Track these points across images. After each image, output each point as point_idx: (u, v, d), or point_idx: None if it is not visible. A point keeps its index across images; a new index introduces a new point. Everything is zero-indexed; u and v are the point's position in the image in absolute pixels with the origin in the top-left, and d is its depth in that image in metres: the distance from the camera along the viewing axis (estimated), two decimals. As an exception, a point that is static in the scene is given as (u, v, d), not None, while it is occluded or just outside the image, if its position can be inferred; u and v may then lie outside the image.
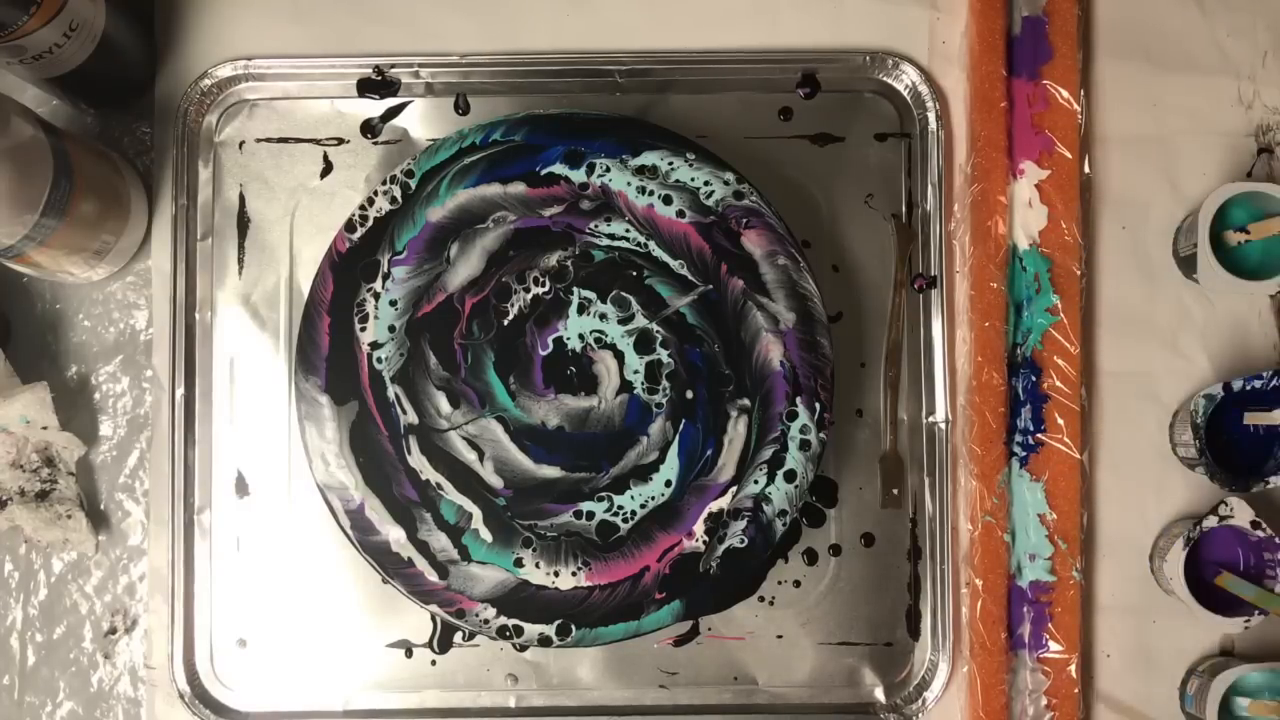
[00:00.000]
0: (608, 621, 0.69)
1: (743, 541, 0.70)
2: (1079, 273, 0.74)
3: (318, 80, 0.76)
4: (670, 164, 0.71)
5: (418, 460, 0.70)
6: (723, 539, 0.70)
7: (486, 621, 0.69)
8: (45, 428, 0.72)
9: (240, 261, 0.76)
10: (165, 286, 0.75)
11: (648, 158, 0.71)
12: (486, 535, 0.70)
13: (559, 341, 0.71)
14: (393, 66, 0.76)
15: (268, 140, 0.76)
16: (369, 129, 0.76)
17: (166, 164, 0.76)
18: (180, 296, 0.75)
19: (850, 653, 0.75)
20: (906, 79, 0.76)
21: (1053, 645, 0.73)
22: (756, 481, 0.70)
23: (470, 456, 0.70)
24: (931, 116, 0.75)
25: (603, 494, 0.70)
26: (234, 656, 0.74)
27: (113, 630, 0.75)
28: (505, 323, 0.71)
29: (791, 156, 0.76)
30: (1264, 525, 0.71)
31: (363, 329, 0.70)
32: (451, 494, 0.70)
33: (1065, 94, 0.75)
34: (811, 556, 0.75)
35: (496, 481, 0.70)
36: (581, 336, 0.71)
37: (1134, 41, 0.77)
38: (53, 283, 0.76)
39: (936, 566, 0.74)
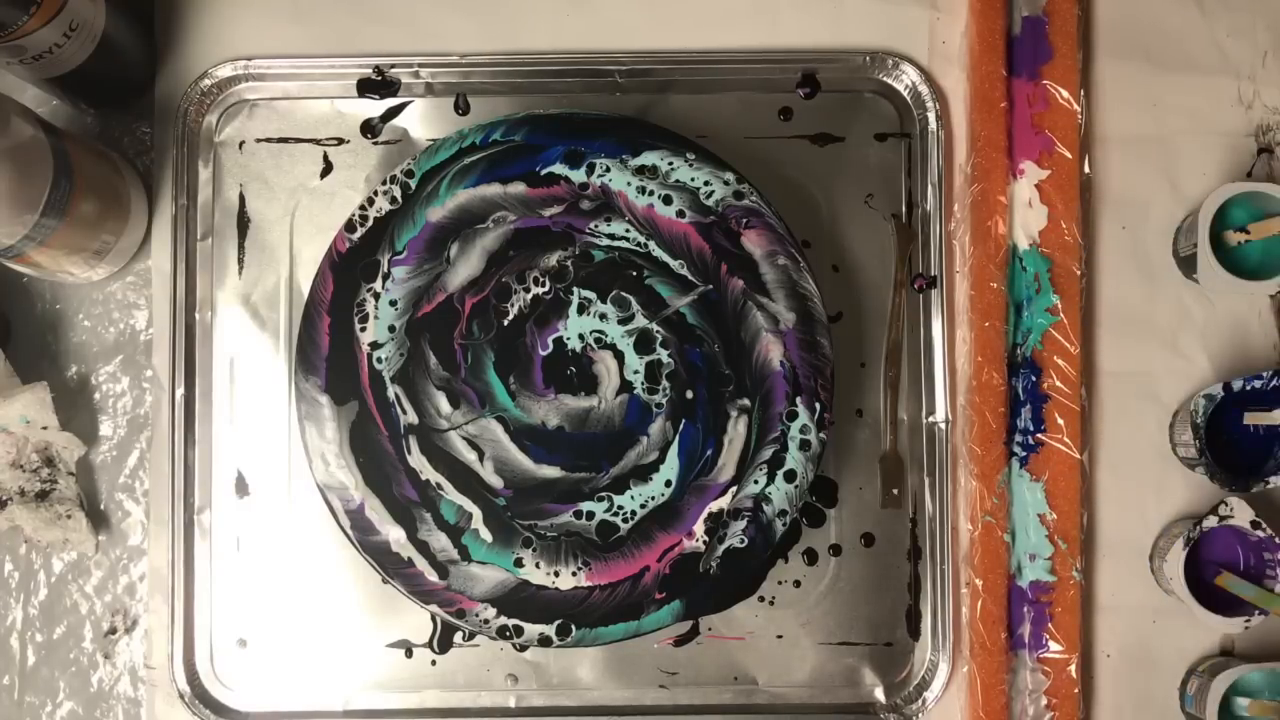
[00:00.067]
0: (608, 621, 0.69)
1: (743, 541, 0.70)
2: (1079, 273, 0.74)
3: (318, 80, 0.76)
4: (670, 164, 0.71)
5: (418, 460, 0.70)
6: (723, 539, 0.70)
7: (486, 621, 0.69)
8: (45, 428, 0.72)
9: (240, 261, 0.76)
10: (165, 286, 0.75)
11: (648, 158, 0.71)
12: (486, 535, 0.70)
13: (559, 341, 0.71)
14: (393, 66, 0.76)
15: (268, 140, 0.76)
16: (369, 129, 0.76)
17: (166, 164, 0.76)
18: (180, 296, 0.75)
19: (850, 653, 0.75)
20: (906, 79, 0.76)
21: (1053, 645, 0.73)
22: (756, 481, 0.70)
23: (470, 456, 0.70)
24: (931, 116, 0.75)
25: (603, 494, 0.70)
26: (234, 656, 0.74)
27: (113, 630, 0.75)
28: (505, 323, 0.71)
29: (791, 156, 0.76)
30: (1264, 525, 0.71)
31: (363, 329, 0.70)
32: (451, 494, 0.70)
33: (1065, 94, 0.75)
34: (811, 556, 0.75)
35: (496, 481, 0.70)
36: (581, 336, 0.71)
37: (1134, 41, 0.77)
38: (53, 283, 0.76)
39: (936, 566, 0.74)
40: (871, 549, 0.75)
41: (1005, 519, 0.74)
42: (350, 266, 0.70)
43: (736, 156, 0.72)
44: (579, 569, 0.69)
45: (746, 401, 0.70)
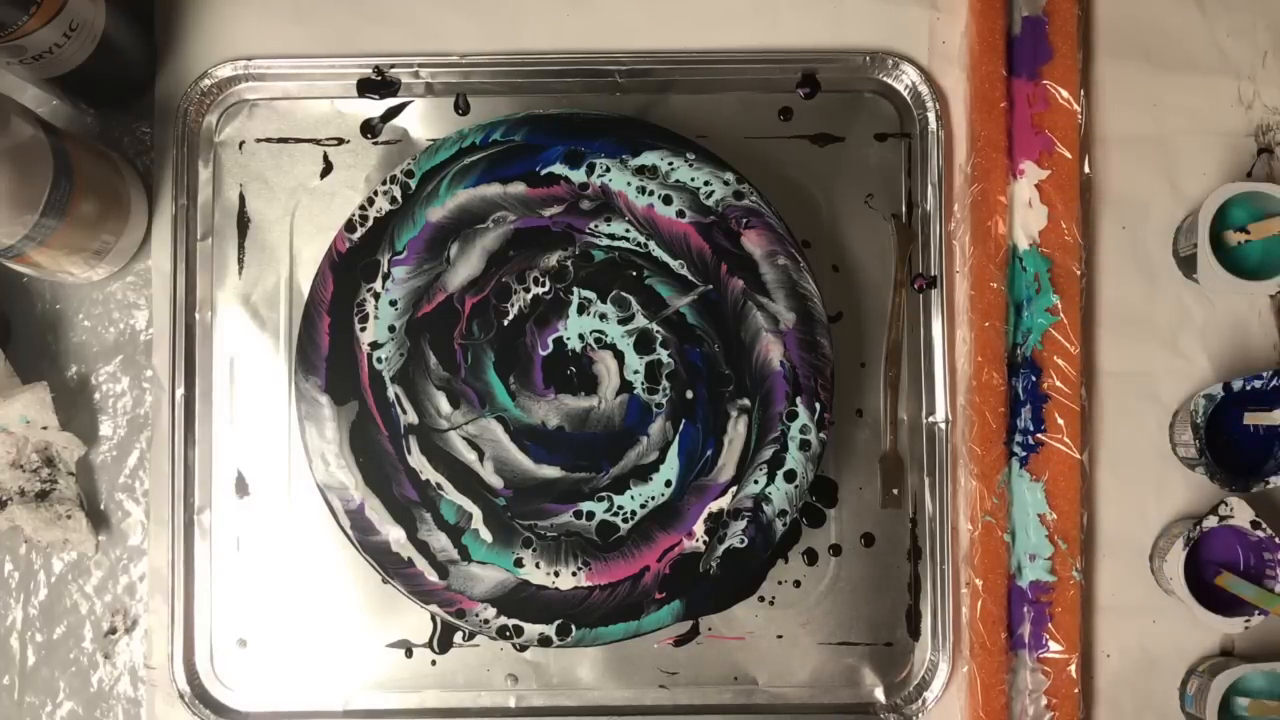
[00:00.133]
0: (608, 621, 0.69)
1: (743, 541, 0.70)
2: (1079, 273, 0.74)
3: (318, 80, 0.76)
4: (670, 164, 0.71)
5: (418, 460, 0.70)
6: (723, 539, 0.70)
7: (486, 621, 0.69)
8: (45, 428, 0.72)
9: (240, 261, 0.76)
10: (165, 286, 0.75)
11: (648, 158, 0.71)
12: (486, 535, 0.70)
13: (559, 341, 0.71)
14: (393, 66, 0.76)
15: (268, 140, 0.76)
16: (369, 129, 0.76)
17: (166, 164, 0.76)
18: (180, 296, 0.75)
19: (850, 653, 0.75)
20: (906, 79, 0.76)
21: (1053, 645, 0.73)
22: (756, 481, 0.70)
23: (470, 456, 0.70)
24: (931, 116, 0.75)
25: (603, 494, 0.70)
26: (234, 656, 0.74)
27: (113, 630, 0.75)
28: (505, 323, 0.71)
29: (791, 156, 0.76)
30: (1264, 525, 0.71)
31: (363, 329, 0.70)
32: (451, 494, 0.70)
33: (1065, 94, 0.75)
34: (811, 556, 0.75)
35: (496, 481, 0.70)
36: (581, 336, 0.71)
37: (1134, 41, 0.77)
38: (53, 283, 0.76)
39: (936, 566, 0.74)
40: (871, 549, 0.75)
41: (1005, 519, 0.74)
42: (350, 266, 0.70)
43: (736, 156, 0.72)
44: (579, 569, 0.69)
45: (746, 401, 0.70)
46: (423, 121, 0.76)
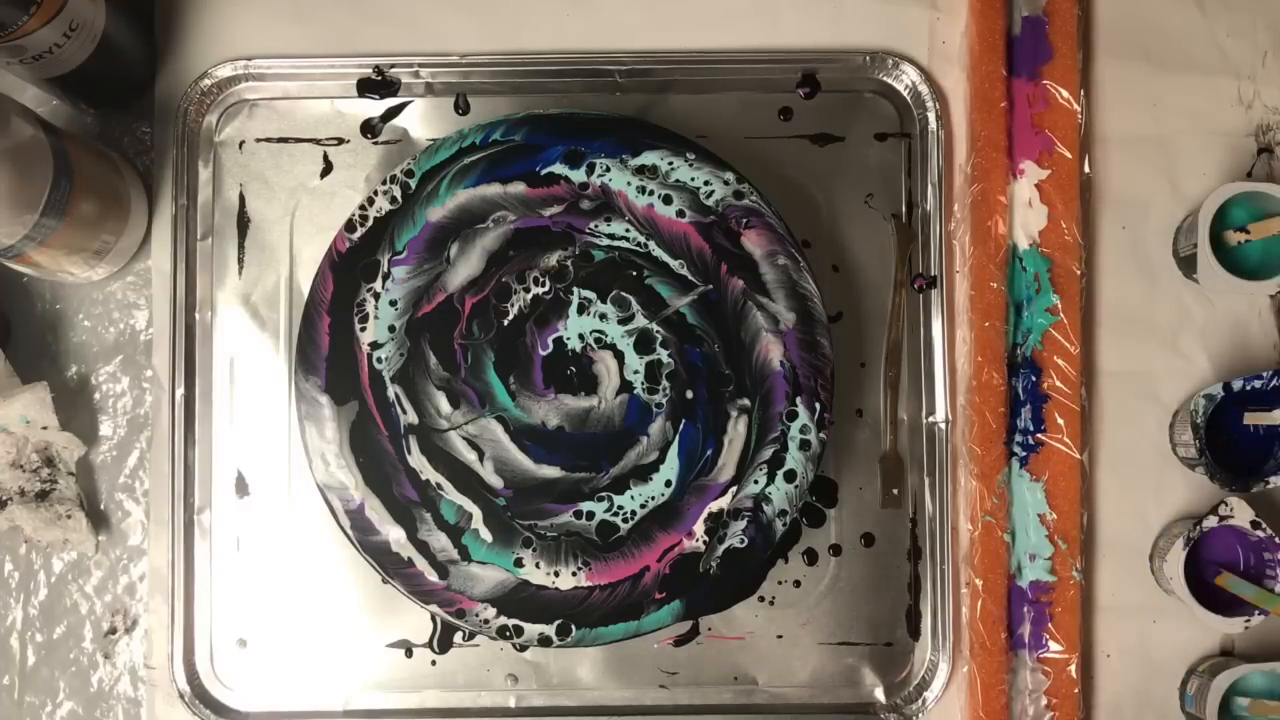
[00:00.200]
0: (608, 621, 0.69)
1: (743, 541, 0.70)
2: (1079, 273, 0.74)
3: (318, 80, 0.76)
4: (670, 164, 0.71)
5: (418, 460, 0.70)
6: (723, 539, 0.70)
7: (486, 621, 0.69)
8: (45, 428, 0.72)
9: (240, 261, 0.76)
10: (165, 286, 0.75)
11: (648, 158, 0.71)
12: (486, 535, 0.70)
13: (559, 341, 0.71)
14: (393, 66, 0.76)
15: (268, 140, 0.76)
16: (369, 129, 0.76)
17: (166, 164, 0.76)
18: (180, 296, 0.75)
19: (850, 653, 0.75)
20: (906, 79, 0.76)
21: (1053, 645, 0.73)
22: (756, 481, 0.70)
23: (470, 456, 0.70)
24: (931, 116, 0.75)
25: (603, 494, 0.70)
26: (234, 656, 0.74)
27: (113, 630, 0.75)
28: (505, 323, 0.71)
29: (791, 156, 0.76)
30: (1264, 525, 0.71)
31: (363, 329, 0.70)
32: (451, 494, 0.70)
33: (1065, 94, 0.75)
34: (811, 556, 0.75)
35: (496, 481, 0.70)
36: (581, 336, 0.71)
37: (1134, 41, 0.77)
38: (53, 283, 0.76)
39: (936, 566, 0.74)
40: (871, 549, 0.75)
41: (1005, 519, 0.74)
42: (350, 266, 0.70)
43: (736, 156, 0.72)
44: (579, 569, 0.69)
45: (746, 401, 0.70)
46: (423, 121, 0.76)
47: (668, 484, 0.70)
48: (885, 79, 0.76)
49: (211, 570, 0.74)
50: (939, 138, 0.75)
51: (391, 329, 0.70)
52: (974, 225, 0.75)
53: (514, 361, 0.71)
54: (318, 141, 0.76)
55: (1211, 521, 0.71)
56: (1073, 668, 0.73)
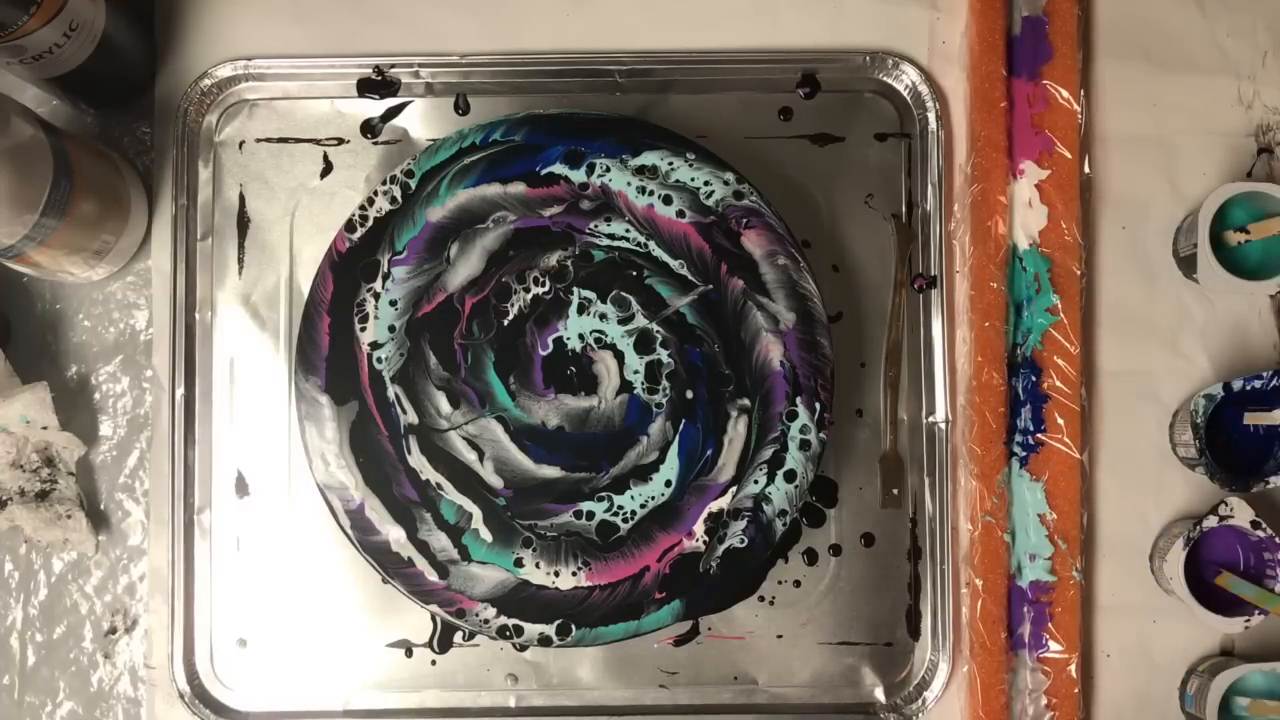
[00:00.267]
0: (608, 621, 0.69)
1: (743, 541, 0.70)
2: (1079, 273, 0.74)
3: (318, 80, 0.76)
4: (670, 164, 0.71)
5: (418, 460, 0.70)
6: (723, 539, 0.70)
7: (486, 621, 0.69)
8: (45, 428, 0.72)
9: (240, 261, 0.76)
10: (165, 286, 0.75)
11: (648, 158, 0.71)
12: (486, 535, 0.70)
13: (559, 341, 0.71)
14: (393, 66, 0.76)
15: (268, 140, 0.76)
16: (369, 129, 0.76)
17: (166, 164, 0.76)
18: (180, 296, 0.75)
19: (850, 653, 0.75)
20: (906, 79, 0.76)
21: (1053, 645, 0.73)
22: (756, 481, 0.70)
23: (470, 456, 0.70)
24: (931, 116, 0.75)
25: (603, 494, 0.70)
26: (234, 656, 0.74)
27: (113, 630, 0.75)
28: (505, 323, 0.71)
29: (791, 156, 0.76)
30: (1264, 525, 0.71)
31: (363, 329, 0.70)
32: (451, 494, 0.70)
33: (1065, 94, 0.75)
34: (811, 556, 0.75)
35: (496, 481, 0.70)
36: (581, 336, 0.71)
37: (1134, 41, 0.77)
38: (53, 283, 0.76)
39: (936, 566, 0.74)
40: (871, 549, 0.75)
41: (1005, 519, 0.74)
42: (350, 266, 0.70)
43: (736, 156, 0.72)
44: (579, 569, 0.69)
45: (746, 401, 0.70)
46: (423, 121, 0.76)
47: (668, 484, 0.70)
48: (885, 79, 0.76)
49: (211, 570, 0.74)
50: (939, 138, 0.75)
51: (391, 329, 0.70)
52: (974, 225, 0.75)
53: (514, 361, 0.71)
54: (318, 141, 0.76)
55: (1211, 521, 0.71)
56: (1073, 668, 0.73)
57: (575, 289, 0.71)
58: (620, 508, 0.70)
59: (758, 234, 0.70)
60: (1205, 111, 0.76)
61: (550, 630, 0.69)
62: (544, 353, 0.71)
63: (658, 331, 0.70)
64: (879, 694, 0.74)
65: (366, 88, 0.76)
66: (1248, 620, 0.71)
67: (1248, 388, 0.71)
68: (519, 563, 0.69)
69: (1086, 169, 0.75)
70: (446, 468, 0.70)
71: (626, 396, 0.70)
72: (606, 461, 0.70)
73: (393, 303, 0.70)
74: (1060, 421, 0.74)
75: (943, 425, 0.74)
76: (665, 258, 0.71)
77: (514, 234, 0.71)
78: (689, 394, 0.70)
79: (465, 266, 0.71)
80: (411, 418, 0.70)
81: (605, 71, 0.76)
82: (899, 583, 0.75)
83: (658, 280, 0.71)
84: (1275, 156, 0.76)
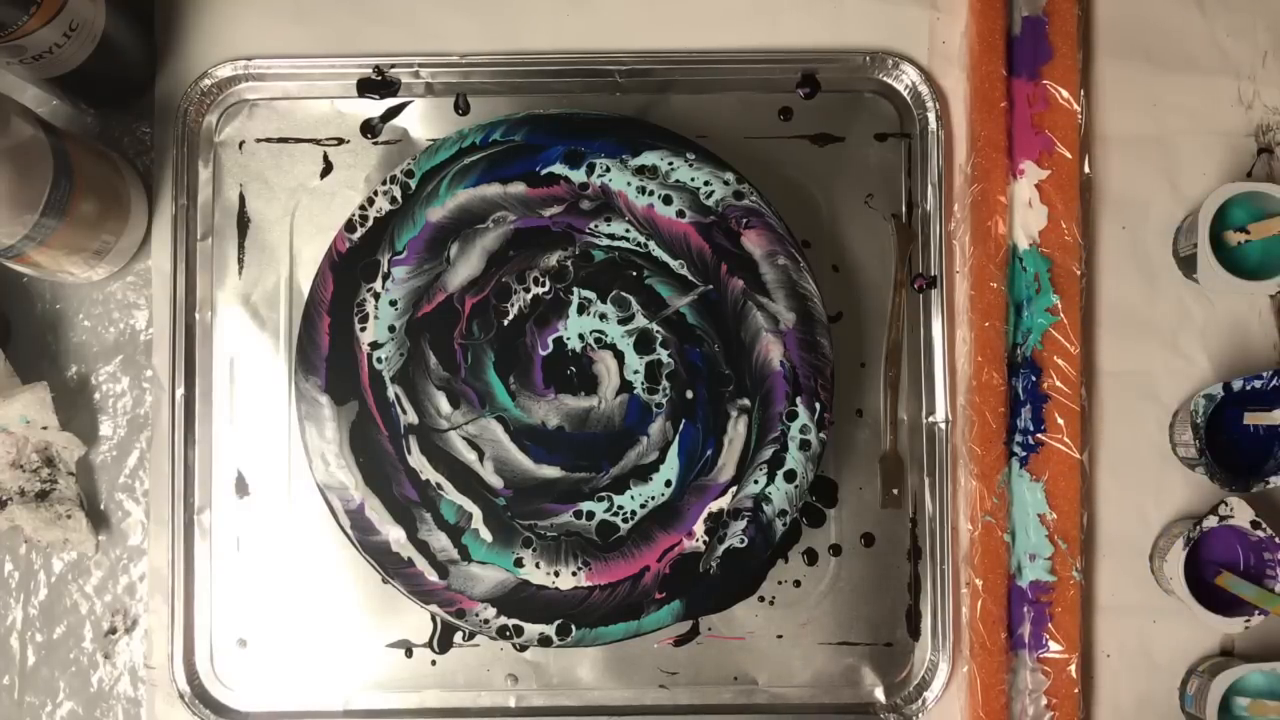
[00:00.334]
0: (608, 621, 0.69)
1: (743, 541, 0.70)
2: (1079, 273, 0.74)
3: (318, 80, 0.76)
4: (670, 164, 0.71)
5: (418, 460, 0.70)
6: (723, 539, 0.70)
7: (486, 621, 0.69)
8: (45, 428, 0.72)
9: (240, 261, 0.76)
10: (165, 286, 0.75)
11: (648, 158, 0.71)
12: (486, 535, 0.70)
13: (559, 341, 0.71)
14: (393, 66, 0.76)
15: (268, 140, 0.76)
16: (369, 129, 0.76)
17: (166, 164, 0.76)
18: (180, 296, 0.75)
19: (850, 653, 0.75)
20: (906, 79, 0.76)
21: (1053, 645, 0.73)
22: (756, 481, 0.70)
23: (470, 456, 0.70)
24: (931, 116, 0.75)
25: (603, 494, 0.70)
26: (234, 656, 0.74)
27: (113, 630, 0.75)
28: (505, 323, 0.71)
29: (791, 156, 0.76)
30: (1264, 525, 0.71)
31: (363, 329, 0.70)
32: (451, 494, 0.70)
33: (1065, 94, 0.75)
34: (811, 556, 0.75)
35: (496, 481, 0.70)
36: (581, 336, 0.71)
37: (1134, 41, 0.77)
38: (53, 283, 0.76)
39: (936, 566, 0.74)
40: (871, 549, 0.75)
41: (1005, 519, 0.74)
42: (350, 266, 0.70)
43: (736, 156, 0.72)
44: (579, 569, 0.69)
45: (746, 401, 0.70)
46: (423, 121, 0.76)
47: (668, 484, 0.70)
48: (885, 79, 0.76)
49: (211, 570, 0.74)
50: (939, 138, 0.75)
51: (391, 329, 0.70)
52: (974, 225, 0.75)
53: (514, 361, 0.71)
54: (318, 141, 0.76)
55: (1211, 521, 0.71)
56: (1073, 668, 0.73)
57: (575, 289, 0.71)
58: (620, 508, 0.70)
59: (758, 234, 0.70)
60: (1205, 111, 0.76)
61: (550, 630, 0.69)
62: (544, 353, 0.71)
63: (658, 331, 0.70)
64: (879, 694, 0.74)
65: (366, 88, 0.76)
66: (1248, 620, 0.71)
67: (1248, 388, 0.71)
68: (519, 563, 0.69)
69: (1086, 169, 0.75)
70: (446, 468, 0.70)
71: (626, 396, 0.70)
72: (606, 461, 0.70)
73: (393, 303, 0.70)
74: (1060, 421, 0.74)
75: (943, 425, 0.74)
76: (665, 258, 0.71)
77: (514, 234, 0.71)
78: (689, 394, 0.70)
79: (465, 266, 0.71)
80: (411, 418, 0.70)
81: (605, 71, 0.76)
82: (899, 583, 0.75)
83: (658, 280, 0.71)
84: (1275, 156, 0.76)
